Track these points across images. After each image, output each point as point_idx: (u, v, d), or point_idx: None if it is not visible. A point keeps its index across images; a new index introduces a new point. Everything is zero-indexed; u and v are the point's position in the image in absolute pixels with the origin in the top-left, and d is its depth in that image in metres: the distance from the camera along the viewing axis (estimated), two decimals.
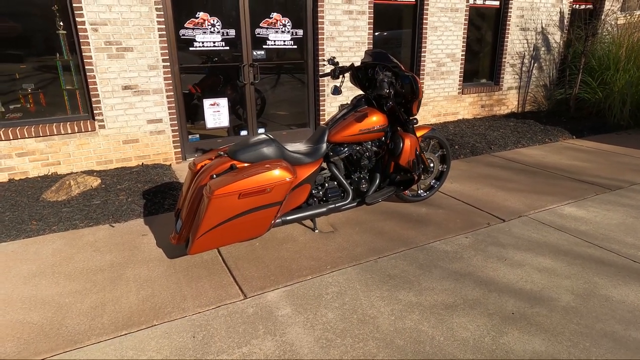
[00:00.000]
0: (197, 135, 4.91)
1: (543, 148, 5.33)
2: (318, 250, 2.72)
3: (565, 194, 3.71)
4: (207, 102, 4.82)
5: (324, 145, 2.81)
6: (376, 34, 5.73)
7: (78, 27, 3.99)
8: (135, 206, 3.42)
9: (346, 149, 2.92)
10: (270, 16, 4.94)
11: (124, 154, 4.46)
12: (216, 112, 4.89)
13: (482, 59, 6.80)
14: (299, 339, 1.92)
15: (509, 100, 7.15)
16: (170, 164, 4.66)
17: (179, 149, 4.72)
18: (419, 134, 3.21)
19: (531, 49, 7.07)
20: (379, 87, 2.64)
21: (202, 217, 2.32)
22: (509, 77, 6.98)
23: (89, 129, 4.22)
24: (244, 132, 5.14)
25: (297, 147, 2.78)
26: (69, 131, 4.14)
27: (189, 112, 4.82)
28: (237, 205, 2.36)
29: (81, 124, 4.17)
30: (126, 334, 1.97)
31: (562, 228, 3.06)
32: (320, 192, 2.91)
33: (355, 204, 2.97)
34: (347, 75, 5.80)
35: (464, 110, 6.67)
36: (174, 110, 4.58)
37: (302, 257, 2.64)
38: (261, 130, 5.24)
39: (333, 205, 2.88)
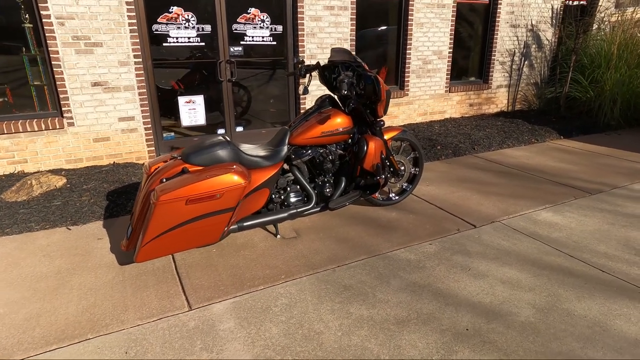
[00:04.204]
0: (172, 134, 4.80)
1: (529, 149, 5.21)
2: (276, 257, 2.62)
3: (543, 198, 3.60)
4: (182, 100, 4.69)
5: (285, 148, 2.70)
6: (361, 30, 5.59)
7: (43, 20, 3.86)
8: (97, 208, 3.32)
9: (309, 151, 2.80)
10: (248, 11, 4.80)
11: (95, 153, 4.35)
12: (192, 110, 4.77)
13: (470, 57, 6.65)
14: (235, 357, 1.82)
15: (498, 98, 7.01)
16: (144, 163, 4.55)
17: (153, 148, 4.60)
18: (387, 136, 3.10)
19: (522, 46, 6.92)
20: (338, 87, 2.52)
21: (148, 224, 2.21)
22: (498, 75, 6.84)
23: (57, 127, 4.10)
24: (221, 131, 5.02)
25: (256, 149, 2.67)
26: (36, 128, 4.02)
27: (163, 110, 4.70)
28: (185, 212, 2.25)
29: (49, 121, 4.05)
30: (56, 349, 1.87)
31: (533, 235, 2.95)
32: (282, 197, 2.80)
33: (318, 208, 2.86)
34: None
35: (452, 109, 6.54)
36: (147, 108, 4.46)
37: (258, 265, 2.54)
38: (239, 129, 5.12)
39: (295, 211, 2.77)
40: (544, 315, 2.11)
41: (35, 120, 4.03)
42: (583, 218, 3.24)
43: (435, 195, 3.63)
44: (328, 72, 2.99)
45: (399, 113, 6.05)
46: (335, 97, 2.92)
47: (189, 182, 2.24)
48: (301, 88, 2.71)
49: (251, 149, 2.64)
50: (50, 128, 4.08)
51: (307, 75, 2.87)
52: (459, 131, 5.73)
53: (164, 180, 2.36)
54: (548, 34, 7.15)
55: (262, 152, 2.64)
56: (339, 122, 2.75)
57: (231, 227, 2.56)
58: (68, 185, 3.72)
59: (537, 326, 2.03)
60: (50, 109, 4.20)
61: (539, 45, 7.11)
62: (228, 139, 2.57)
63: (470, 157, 4.79)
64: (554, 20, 7.12)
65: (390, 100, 5.88)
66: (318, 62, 2.91)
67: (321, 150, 2.82)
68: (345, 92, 2.50)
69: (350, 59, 2.75)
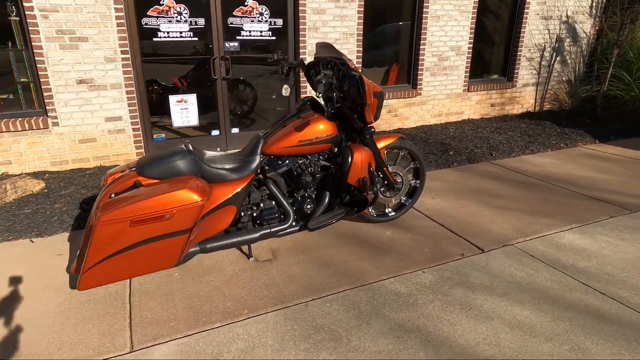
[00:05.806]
0: (163, 135, 4.53)
1: (556, 155, 4.63)
2: (243, 286, 2.27)
3: (569, 216, 3.08)
4: (173, 99, 4.42)
5: (257, 158, 2.33)
6: (370, 24, 5.13)
7: (26, 13, 3.65)
8: (67, 217, 3.07)
9: (287, 162, 2.43)
10: (245, 4, 4.46)
11: (81, 155, 4.14)
12: (184, 110, 4.49)
13: (493, 52, 6.06)
14: None
15: (524, 98, 6.38)
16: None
17: (142, 150, 4.36)
18: (382, 144, 2.68)
19: (553, 40, 6.25)
20: (314, 88, 2.13)
21: (89, 247, 1.92)
22: (524, 73, 6.21)
23: (41, 127, 3.91)
24: (215, 132, 4.72)
25: (223, 160, 2.32)
26: (19, 128, 3.84)
27: (154, 110, 4.44)
28: (131, 234, 1.94)
29: (32, 120, 3.86)
30: None
31: (554, 264, 2.47)
32: (255, 214, 2.44)
33: (297, 228, 2.49)
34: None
35: (470, 109, 5.98)
36: (136, 108, 4.21)
37: (221, 295, 2.20)
38: (235, 130, 4.81)
39: (268, 230, 2.41)
40: None
41: (19, 119, 3.84)
42: (620, 242, 2.72)
43: (440, 210, 3.17)
44: (314, 71, 2.60)
45: (411, 114, 5.57)
46: (321, 99, 2.53)
47: (134, 200, 1.92)
48: (286, 89, 2.34)
49: (217, 160, 2.30)
50: (34, 128, 3.89)
51: (292, 73, 2.49)
52: (477, 134, 5.19)
53: (113, 195, 2.05)
54: (586, 26, 6.43)
55: (229, 164, 2.29)
56: (320, 129, 2.36)
57: (191, 250, 2.23)
58: (45, 191, 3.52)
59: None
60: (36, 107, 4.01)
61: (575, 38, 6.41)
62: (190, 147, 2.24)
63: (486, 165, 4.28)
64: (594, 10, 6.39)
65: (402, 100, 5.41)
66: (302, 59, 2.53)
67: (300, 161, 2.44)
68: (321, 95, 2.11)
69: (335, 55, 2.35)
